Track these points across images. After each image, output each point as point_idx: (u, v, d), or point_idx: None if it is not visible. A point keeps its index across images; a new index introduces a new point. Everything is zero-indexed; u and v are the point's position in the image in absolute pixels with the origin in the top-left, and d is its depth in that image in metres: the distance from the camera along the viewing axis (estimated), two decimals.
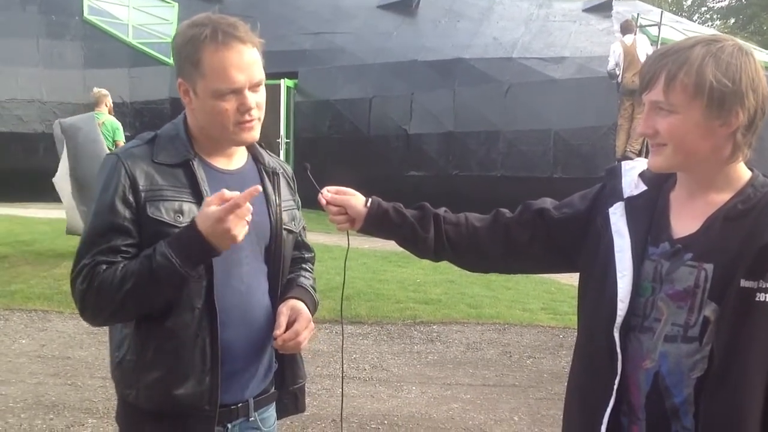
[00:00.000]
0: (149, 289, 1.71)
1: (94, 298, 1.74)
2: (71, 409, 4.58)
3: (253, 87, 1.82)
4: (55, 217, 11.13)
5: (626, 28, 11.71)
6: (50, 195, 13.06)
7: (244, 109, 1.80)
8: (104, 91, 9.26)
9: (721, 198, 1.61)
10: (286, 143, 14.68)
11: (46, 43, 14.69)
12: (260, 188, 1.73)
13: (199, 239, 1.68)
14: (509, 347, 6.23)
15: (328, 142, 14.25)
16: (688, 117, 1.56)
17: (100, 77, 14.52)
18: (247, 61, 1.80)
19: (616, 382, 1.62)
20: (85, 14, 15.22)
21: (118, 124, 9.36)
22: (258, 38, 1.85)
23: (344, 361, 5.67)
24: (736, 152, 1.59)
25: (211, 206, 1.67)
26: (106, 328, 1.93)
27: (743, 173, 1.63)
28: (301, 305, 1.93)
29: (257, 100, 1.84)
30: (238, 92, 1.78)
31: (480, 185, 12.33)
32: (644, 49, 11.17)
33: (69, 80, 14.40)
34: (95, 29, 15.09)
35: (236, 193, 1.67)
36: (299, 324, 1.87)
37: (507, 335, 6.57)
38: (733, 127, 1.56)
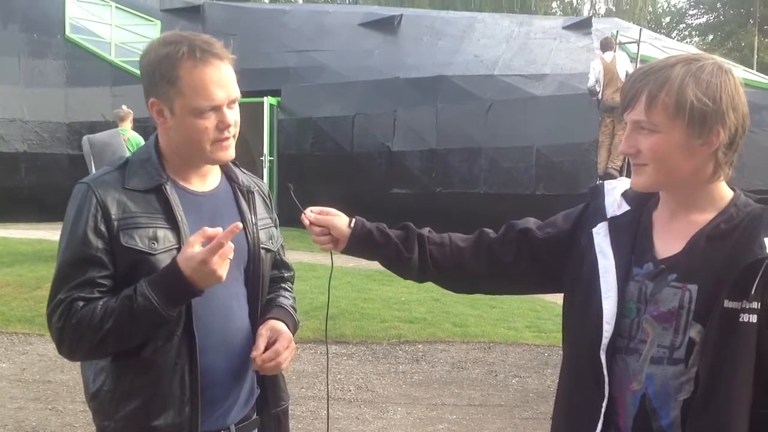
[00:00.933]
0: (129, 328, 1.68)
1: (71, 336, 1.71)
2: None
3: (231, 104, 1.80)
4: (36, 238, 11.01)
5: (606, 45, 11.79)
6: (31, 215, 12.99)
7: (222, 126, 1.78)
8: (129, 109, 9.50)
9: (704, 217, 1.61)
10: (270, 161, 14.65)
11: (27, 62, 14.61)
12: (240, 225, 1.70)
13: (182, 281, 1.65)
14: (494, 366, 6.21)
15: (312, 160, 14.24)
16: (669, 136, 1.55)
17: (83, 96, 14.48)
18: (225, 78, 1.78)
19: (604, 404, 1.61)
20: (67, 33, 15.16)
21: (141, 140, 9.49)
22: (232, 55, 1.82)
23: (330, 382, 5.62)
24: (718, 171, 1.59)
25: (194, 246, 1.64)
26: None
27: (725, 192, 1.63)
28: (281, 325, 1.89)
29: (235, 117, 1.81)
30: (217, 109, 1.76)
31: (463, 202, 12.34)
32: (624, 66, 11.25)
33: (51, 99, 14.31)
34: (77, 48, 15.02)
35: (219, 230, 1.64)
36: (279, 344, 1.84)
37: (492, 354, 6.55)
38: (714, 146, 1.55)
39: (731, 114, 1.55)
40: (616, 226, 1.70)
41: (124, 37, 15.70)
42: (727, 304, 1.48)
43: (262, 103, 14.26)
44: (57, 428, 4.60)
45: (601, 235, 1.71)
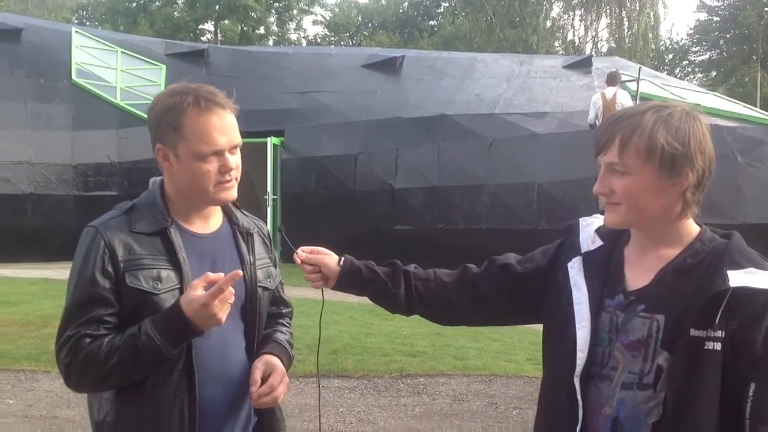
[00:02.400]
0: (132, 365, 1.79)
1: (78, 371, 1.82)
2: None
3: (233, 149, 1.92)
4: (42, 277, 11.13)
5: (611, 79, 11.89)
6: (37, 255, 13.13)
7: (225, 169, 1.90)
8: None
9: (672, 252, 1.71)
10: (273, 199, 14.80)
11: (34, 106, 14.85)
12: (241, 273, 1.82)
13: (184, 322, 1.76)
14: (495, 398, 6.25)
15: (315, 198, 14.38)
16: (641, 178, 1.66)
17: (89, 138, 14.71)
18: (227, 125, 1.90)
19: (578, 428, 1.70)
20: (74, 77, 15.44)
21: None
22: (234, 104, 1.95)
23: (332, 415, 5.67)
24: (686, 210, 1.69)
25: (197, 290, 1.75)
26: None
27: (692, 229, 1.74)
28: (275, 360, 2.00)
29: (236, 161, 1.94)
30: (219, 154, 1.88)
31: (465, 238, 12.43)
32: (624, 103, 11.38)
33: (57, 142, 14.53)
34: (84, 92, 15.29)
35: (221, 275, 1.76)
36: (274, 378, 1.94)
37: (493, 386, 6.60)
38: (683, 187, 1.66)
39: (699, 157, 1.66)
40: (590, 260, 1.81)
41: (130, 81, 15.98)
42: (693, 332, 1.58)
43: (266, 143, 14.46)
44: None
45: (575, 269, 1.82)
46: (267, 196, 14.59)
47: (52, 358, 7.25)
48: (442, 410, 5.94)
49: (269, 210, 14.42)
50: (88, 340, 1.80)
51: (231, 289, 1.76)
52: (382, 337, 8.06)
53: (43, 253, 13.11)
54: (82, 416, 5.46)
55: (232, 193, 1.96)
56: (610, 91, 11.69)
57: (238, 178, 1.97)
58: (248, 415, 2.04)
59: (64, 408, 5.70)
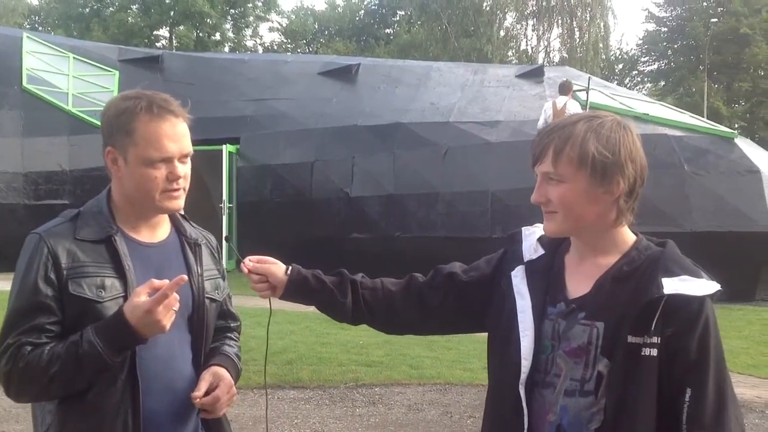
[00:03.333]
0: (74, 373, 1.76)
1: (18, 380, 1.79)
2: None
3: (182, 158, 1.91)
4: None
5: (563, 88, 12.07)
6: None
7: (172, 177, 1.89)
8: None
9: (608, 261, 1.75)
10: (229, 208, 14.70)
11: None
12: (186, 278, 1.81)
13: (127, 329, 1.74)
14: (450, 407, 6.29)
15: (271, 206, 14.32)
16: (575, 186, 1.71)
17: (40, 145, 14.43)
18: (179, 133, 1.90)
19: None
20: (24, 83, 15.15)
21: None
22: (187, 114, 1.95)
23: (287, 427, 5.64)
24: (620, 217, 1.74)
25: (141, 296, 1.74)
26: None
27: (628, 237, 1.78)
28: (223, 371, 1.99)
29: (185, 171, 1.93)
30: (168, 161, 1.87)
31: (421, 246, 12.49)
32: (574, 113, 11.55)
33: (7, 149, 14.24)
34: (34, 98, 15.01)
35: (165, 282, 1.74)
36: (220, 390, 1.93)
37: (448, 395, 6.64)
38: (615, 195, 1.71)
39: (630, 165, 1.71)
40: (533, 269, 1.85)
41: (82, 87, 15.73)
42: (631, 339, 1.63)
43: (221, 150, 14.36)
44: None
45: (518, 278, 1.85)
46: (222, 204, 14.48)
47: None
48: (398, 420, 5.96)
49: (224, 218, 14.32)
50: (29, 348, 1.77)
51: (175, 296, 1.75)
52: (338, 346, 8.05)
53: None
54: (30, 431, 5.34)
55: (178, 202, 1.94)
56: (561, 101, 11.88)
57: (186, 188, 1.96)
58: (195, 428, 2.02)
59: (12, 422, 5.57)
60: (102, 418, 1.82)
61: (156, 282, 1.75)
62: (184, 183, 1.94)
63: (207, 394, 1.92)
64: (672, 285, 1.62)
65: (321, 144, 14.23)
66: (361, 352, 7.92)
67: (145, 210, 1.96)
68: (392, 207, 13.45)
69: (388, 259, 9.87)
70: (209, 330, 2.05)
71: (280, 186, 14.42)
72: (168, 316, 1.75)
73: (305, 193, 14.23)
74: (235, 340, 2.21)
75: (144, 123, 1.86)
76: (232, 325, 2.23)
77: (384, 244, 12.97)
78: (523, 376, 1.74)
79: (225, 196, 14.58)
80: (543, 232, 1.89)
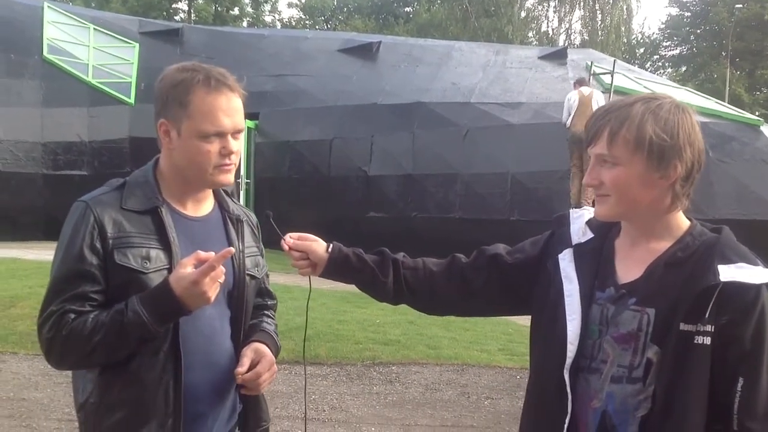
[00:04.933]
0: (118, 342, 1.75)
1: (60, 347, 1.77)
2: None
3: (236, 133, 1.89)
4: (10, 257, 10.93)
5: (580, 82, 12.00)
6: (5, 235, 12.90)
7: (225, 152, 1.86)
8: None
9: (662, 246, 1.71)
10: (246, 183, 14.69)
11: (3, 82, 14.54)
12: (233, 250, 1.80)
13: (173, 299, 1.72)
14: (467, 388, 6.28)
15: (288, 183, 14.31)
16: (630, 169, 1.66)
17: (59, 116, 14.45)
18: (234, 108, 1.87)
19: (567, 421, 1.70)
20: (45, 53, 15.14)
21: None
22: (243, 90, 1.92)
23: (304, 402, 5.66)
24: (675, 202, 1.69)
25: (187, 268, 1.72)
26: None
27: (682, 222, 1.74)
28: (264, 348, 1.97)
29: (238, 146, 1.90)
30: (222, 135, 1.85)
31: (438, 227, 12.47)
32: (598, 102, 11.42)
33: (27, 119, 14.26)
34: (55, 68, 15.01)
35: (211, 254, 1.72)
36: (261, 366, 1.92)
37: (465, 376, 6.62)
38: (672, 179, 1.66)
39: (688, 149, 1.66)
40: (581, 252, 1.80)
41: (102, 59, 15.70)
42: (683, 327, 1.59)
43: None
44: None
45: (566, 261, 1.81)
46: (240, 180, 14.47)
47: (19, 339, 7.17)
48: (415, 399, 5.95)
49: (242, 194, 14.31)
50: (72, 315, 1.76)
51: (222, 268, 1.73)
52: (355, 324, 8.05)
53: (10, 233, 12.88)
54: (50, 399, 5.39)
55: (229, 176, 1.92)
56: (587, 89, 11.72)
57: (237, 164, 1.94)
58: (233, 404, 2.01)
59: (32, 390, 5.61)
60: (143, 388, 1.81)
61: (202, 254, 1.74)
62: (236, 158, 1.91)
63: (249, 369, 1.90)
64: (728, 272, 1.58)
65: (340, 122, 14.17)
66: (378, 330, 7.92)
67: (195, 183, 1.94)
68: (410, 187, 13.40)
69: (404, 239, 9.82)
70: (248, 306, 2.04)
71: (299, 163, 14.39)
72: (214, 288, 1.73)
73: (323, 171, 14.19)
74: (273, 318, 2.20)
75: (200, 96, 1.83)
76: (269, 302, 2.22)
77: (401, 224, 12.93)
78: (569, 361, 1.71)
79: (243, 172, 14.56)
80: (591, 216, 1.85)
